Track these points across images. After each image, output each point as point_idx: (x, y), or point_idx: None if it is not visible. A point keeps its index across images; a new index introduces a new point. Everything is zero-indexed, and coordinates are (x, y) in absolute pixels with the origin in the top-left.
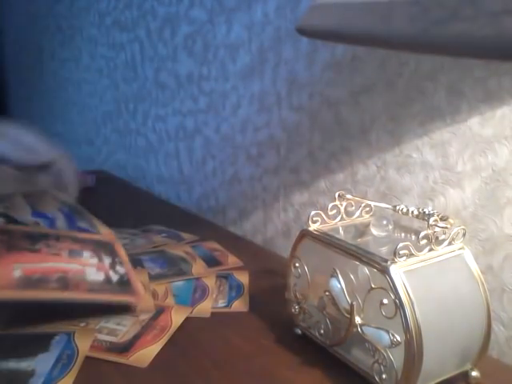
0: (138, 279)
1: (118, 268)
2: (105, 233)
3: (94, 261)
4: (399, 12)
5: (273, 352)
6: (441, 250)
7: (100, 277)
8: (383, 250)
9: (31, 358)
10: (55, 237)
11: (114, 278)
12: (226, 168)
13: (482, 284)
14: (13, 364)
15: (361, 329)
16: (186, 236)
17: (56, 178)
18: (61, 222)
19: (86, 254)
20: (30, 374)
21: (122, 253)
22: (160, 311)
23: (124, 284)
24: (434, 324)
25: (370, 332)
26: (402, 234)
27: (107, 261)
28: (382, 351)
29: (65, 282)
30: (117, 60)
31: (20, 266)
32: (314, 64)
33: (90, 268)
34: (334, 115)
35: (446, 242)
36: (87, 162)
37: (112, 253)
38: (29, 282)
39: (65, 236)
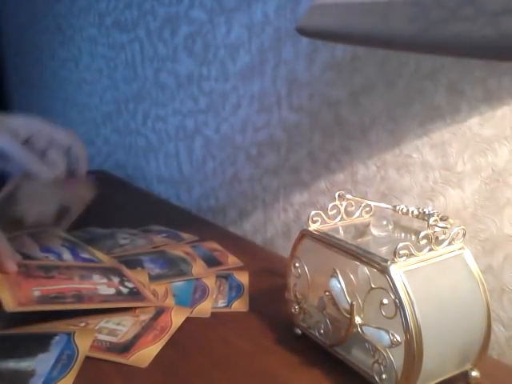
0: (148, 291)
1: (127, 284)
2: (107, 261)
3: (104, 280)
4: (399, 12)
5: (273, 352)
6: (441, 249)
7: (111, 291)
8: (383, 250)
9: (31, 357)
10: (66, 267)
11: (125, 290)
12: (226, 168)
13: (482, 284)
14: (13, 364)
15: (361, 329)
16: (185, 236)
17: (68, 158)
18: (67, 255)
19: (96, 276)
20: (30, 374)
21: (129, 273)
22: (160, 311)
23: (134, 294)
24: (433, 324)
25: (370, 332)
26: (402, 234)
27: (116, 280)
28: (382, 351)
29: (79, 297)
30: (117, 60)
31: (38, 288)
32: (314, 64)
33: (101, 285)
34: (334, 115)
35: (446, 242)
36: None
37: (119, 275)
38: (47, 298)
39: (74, 266)
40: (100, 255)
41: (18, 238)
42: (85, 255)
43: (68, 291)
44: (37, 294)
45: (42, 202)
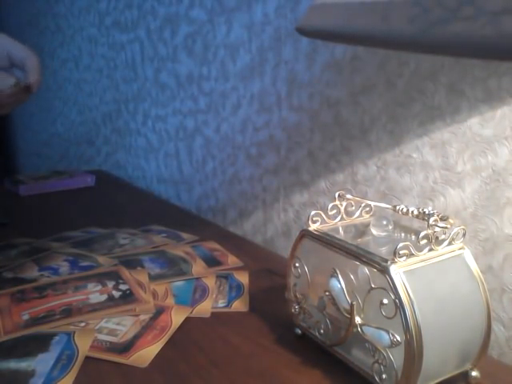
0: (145, 291)
1: (121, 286)
2: (107, 264)
3: (98, 287)
4: (399, 12)
5: (273, 352)
6: (441, 249)
7: (103, 298)
8: (383, 250)
9: (31, 358)
10: (62, 282)
11: (117, 294)
12: (226, 168)
13: (482, 284)
14: (13, 364)
15: (361, 329)
16: (185, 236)
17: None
18: (64, 268)
19: (91, 285)
20: (30, 374)
21: (127, 274)
22: (160, 311)
23: (127, 296)
24: (433, 324)
25: (370, 332)
26: (402, 234)
27: (110, 284)
28: (382, 351)
29: (68, 311)
30: (117, 60)
31: (27, 312)
32: (314, 64)
33: (94, 294)
34: (334, 115)
35: (446, 242)
36: (87, 162)
37: (116, 277)
38: (35, 320)
39: (70, 279)
40: (101, 259)
41: (19, 262)
42: (84, 263)
43: (58, 307)
44: (25, 317)
45: None
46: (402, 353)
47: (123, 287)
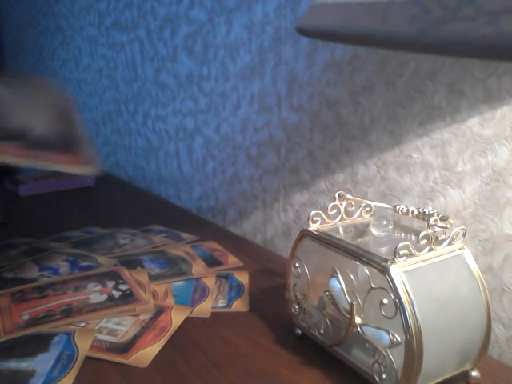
0: (145, 291)
1: (121, 286)
2: (107, 264)
3: (98, 288)
4: (399, 12)
5: (273, 352)
6: (441, 250)
7: (103, 298)
8: (383, 250)
9: (31, 358)
10: (62, 282)
11: (117, 294)
12: (226, 168)
13: (482, 284)
14: (13, 364)
15: (361, 329)
16: (185, 236)
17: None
18: (64, 268)
19: (91, 285)
20: (30, 374)
21: (127, 274)
22: (160, 311)
23: (127, 296)
24: (434, 324)
25: (369, 332)
26: (402, 234)
27: (110, 284)
28: (382, 351)
29: (68, 311)
30: (117, 60)
31: (27, 312)
32: (314, 64)
33: (94, 294)
34: (334, 115)
35: (446, 242)
36: None
37: (116, 277)
38: (35, 320)
39: (70, 279)
40: (101, 259)
41: (20, 262)
42: (85, 263)
43: (58, 307)
44: (25, 317)
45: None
46: (402, 353)
47: (123, 287)
